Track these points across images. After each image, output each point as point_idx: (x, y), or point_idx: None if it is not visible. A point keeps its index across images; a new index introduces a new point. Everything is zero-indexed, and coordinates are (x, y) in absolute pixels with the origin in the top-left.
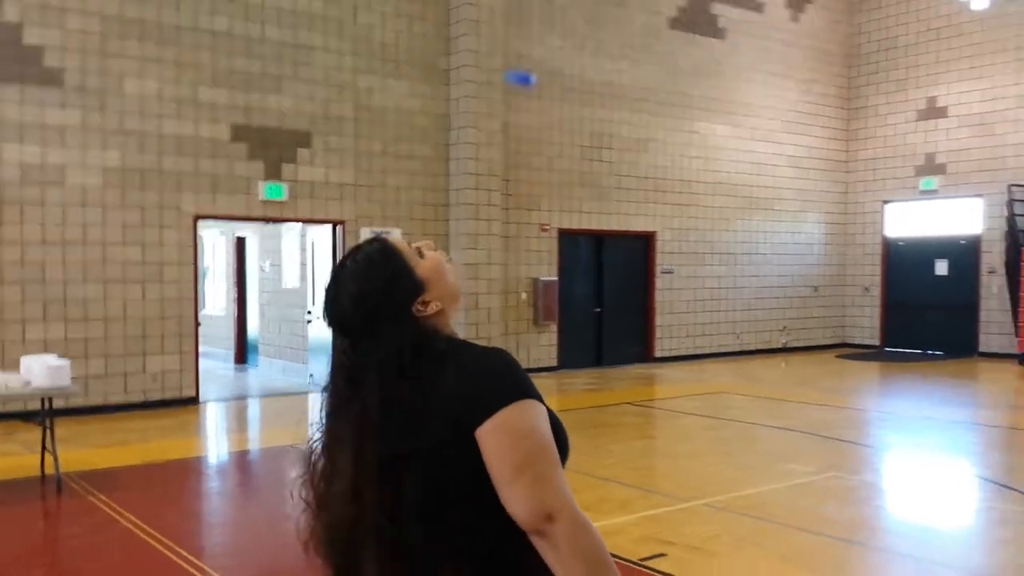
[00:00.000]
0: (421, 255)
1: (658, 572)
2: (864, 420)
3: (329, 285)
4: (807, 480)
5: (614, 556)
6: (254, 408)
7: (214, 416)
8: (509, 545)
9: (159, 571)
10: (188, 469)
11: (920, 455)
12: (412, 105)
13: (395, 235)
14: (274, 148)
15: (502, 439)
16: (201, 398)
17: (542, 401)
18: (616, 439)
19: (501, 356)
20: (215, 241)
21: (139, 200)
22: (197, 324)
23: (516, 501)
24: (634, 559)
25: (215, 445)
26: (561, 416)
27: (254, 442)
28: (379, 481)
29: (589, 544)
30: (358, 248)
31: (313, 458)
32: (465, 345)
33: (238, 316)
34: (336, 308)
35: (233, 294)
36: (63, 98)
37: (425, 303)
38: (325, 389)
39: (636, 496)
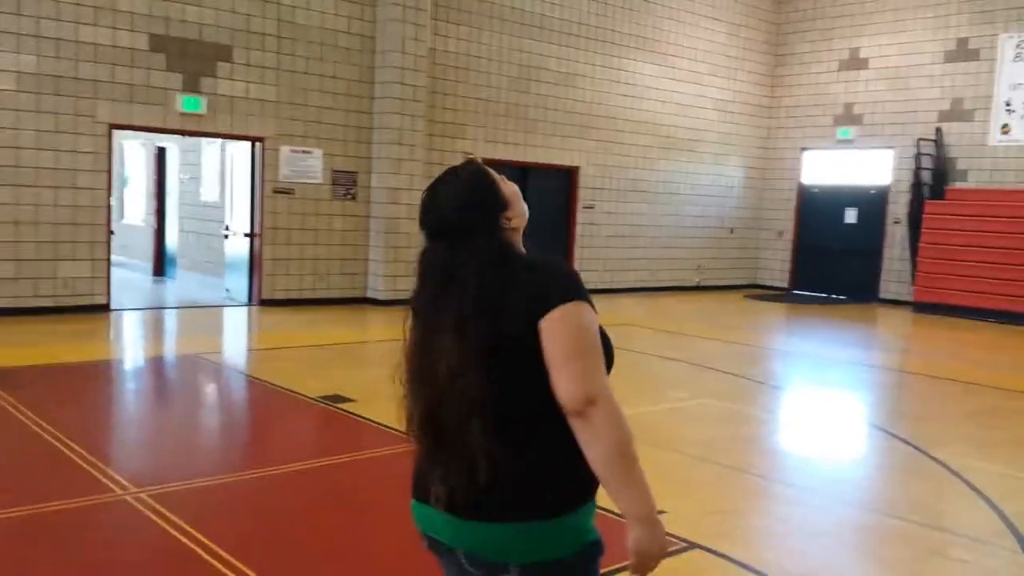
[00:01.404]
0: (504, 180)
1: None
2: (754, 355)
3: (428, 196)
4: (679, 405)
5: None
6: (165, 318)
7: (123, 324)
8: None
9: (47, 462)
10: (90, 372)
11: (795, 389)
12: (337, 24)
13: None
14: (193, 60)
15: (559, 329)
16: (113, 306)
17: (594, 309)
18: None
19: (562, 263)
20: (136, 151)
21: (53, 106)
22: (110, 232)
23: (565, 384)
24: None
25: (120, 351)
26: None
27: (159, 350)
28: (480, 359)
29: (620, 432)
30: (456, 168)
31: (411, 346)
32: (533, 255)
33: (157, 228)
34: (437, 215)
35: (152, 205)
36: None
37: (508, 219)
38: (416, 289)
39: None
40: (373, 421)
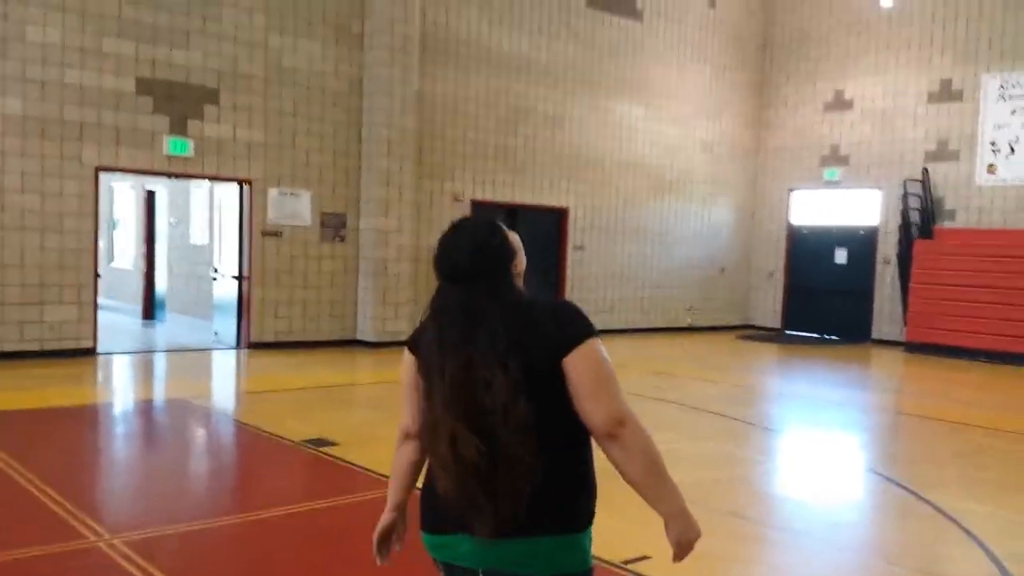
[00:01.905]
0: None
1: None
2: (745, 397)
3: (445, 242)
4: (667, 447)
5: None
6: (152, 362)
7: (109, 368)
8: (580, 445)
9: (21, 507)
10: (74, 416)
11: (787, 431)
12: (325, 67)
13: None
14: (180, 103)
15: (585, 364)
16: (100, 349)
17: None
18: None
19: (575, 305)
20: (126, 194)
21: (39, 149)
22: (96, 276)
23: (597, 410)
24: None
25: (104, 395)
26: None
27: (144, 394)
28: (522, 389)
29: (649, 444)
30: (469, 219)
31: (440, 386)
32: (539, 297)
33: (146, 271)
34: (454, 259)
35: (142, 248)
36: None
37: (516, 265)
38: (433, 329)
39: None
40: (356, 465)
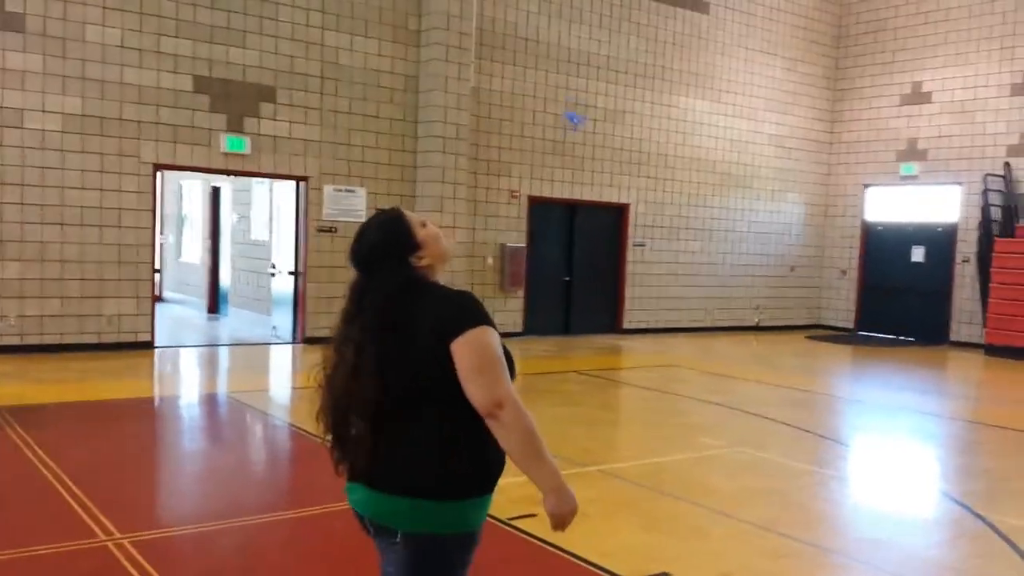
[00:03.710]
0: (424, 225)
1: (520, 531)
2: (805, 401)
3: (356, 234)
4: (713, 453)
5: (494, 517)
6: (205, 356)
7: (163, 361)
8: (460, 423)
9: (39, 504)
10: (116, 410)
11: (842, 438)
12: (380, 65)
13: (407, 210)
14: (237, 101)
15: (469, 349)
16: (157, 343)
17: (495, 328)
18: (544, 405)
19: (468, 294)
20: (195, 190)
21: (98, 147)
22: (154, 271)
23: (477, 392)
24: (503, 517)
25: (151, 389)
26: None
27: (190, 389)
28: (376, 366)
29: (525, 425)
30: (381, 211)
31: (328, 353)
32: (440, 286)
33: (211, 265)
34: (357, 249)
35: (208, 244)
36: (24, 43)
37: (420, 257)
38: (344, 307)
39: None
40: None
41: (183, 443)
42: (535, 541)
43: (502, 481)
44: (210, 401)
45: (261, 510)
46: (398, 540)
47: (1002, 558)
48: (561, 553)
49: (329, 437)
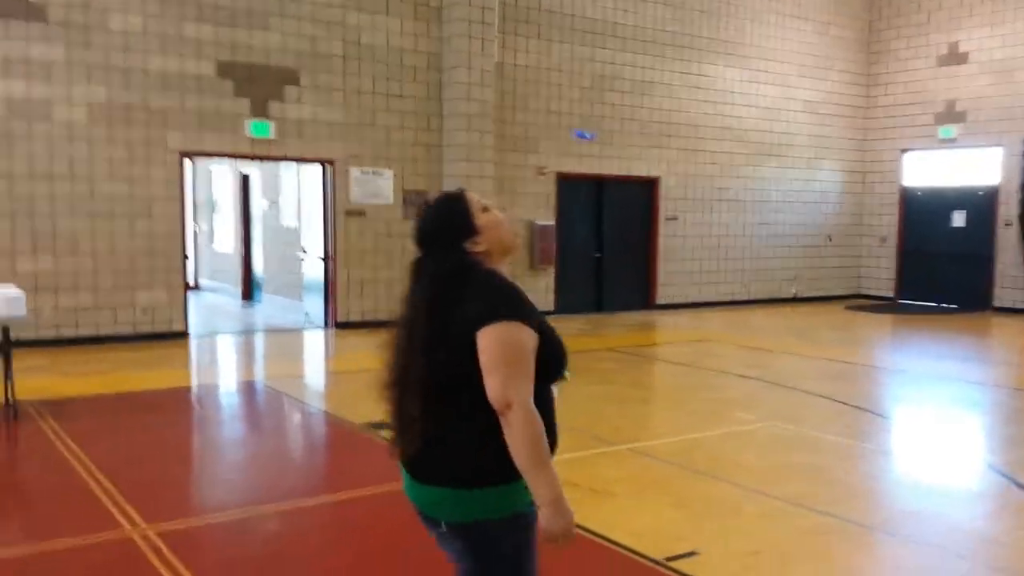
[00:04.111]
0: (486, 210)
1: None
2: (843, 373)
3: (418, 213)
4: (745, 428)
5: None
6: (238, 344)
7: (196, 351)
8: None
9: (67, 494)
10: (148, 401)
11: (882, 411)
12: (403, 43)
13: (470, 192)
14: (261, 85)
15: (493, 341)
16: (191, 332)
17: (534, 325)
18: (579, 384)
19: (512, 287)
20: (225, 177)
21: (125, 136)
22: (185, 259)
23: (490, 388)
24: None
25: (184, 379)
26: None
27: (222, 378)
28: (426, 348)
29: (531, 432)
30: (444, 193)
31: (392, 331)
32: (491, 274)
33: (244, 253)
34: (417, 231)
35: (240, 231)
36: (47, 33)
37: (475, 243)
38: (406, 286)
39: (565, 438)
40: None
41: (214, 432)
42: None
43: None
44: (244, 389)
45: (292, 497)
46: (444, 530)
47: None
48: (587, 534)
49: (392, 420)
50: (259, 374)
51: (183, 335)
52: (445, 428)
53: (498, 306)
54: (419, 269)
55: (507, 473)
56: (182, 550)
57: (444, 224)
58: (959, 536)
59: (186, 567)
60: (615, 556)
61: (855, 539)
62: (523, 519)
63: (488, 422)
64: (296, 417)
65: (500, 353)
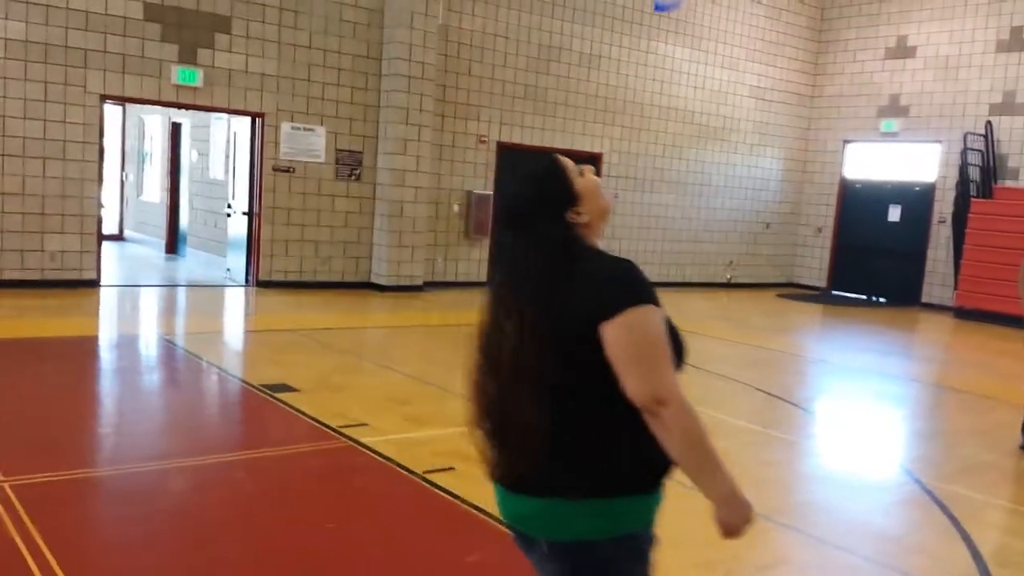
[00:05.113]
0: (582, 174)
1: (434, 484)
2: (761, 360)
3: (505, 187)
4: None
5: (405, 468)
6: (153, 297)
7: (105, 301)
8: (616, 413)
9: None
10: (38, 350)
11: (796, 399)
12: None
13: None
14: (190, 31)
15: (624, 334)
16: (102, 282)
17: (660, 305)
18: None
19: (629, 266)
20: (157, 126)
21: (42, 75)
22: (100, 206)
23: (634, 386)
24: (419, 470)
25: (85, 329)
26: (453, 331)
27: (125, 330)
28: (539, 343)
29: (690, 428)
30: (533, 163)
31: (479, 330)
32: (599, 252)
33: (170, 205)
34: (507, 205)
35: (167, 182)
36: None
37: (578, 212)
38: (493, 275)
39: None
40: (303, 413)
41: (98, 385)
42: (447, 496)
43: (422, 432)
44: (140, 344)
45: (167, 457)
46: (545, 550)
47: (933, 525)
48: (473, 511)
49: (483, 430)
50: (162, 329)
51: (95, 284)
52: (569, 432)
53: (624, 291)
54: (516, 252)
55: (641, 482)
56: (35, 506)
57: (546, 194)
58: (847, 529)
59: (33, 523)
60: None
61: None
62: (636, 541)
63: (604, 425)
64: (189, 375)
65: (636, 345)
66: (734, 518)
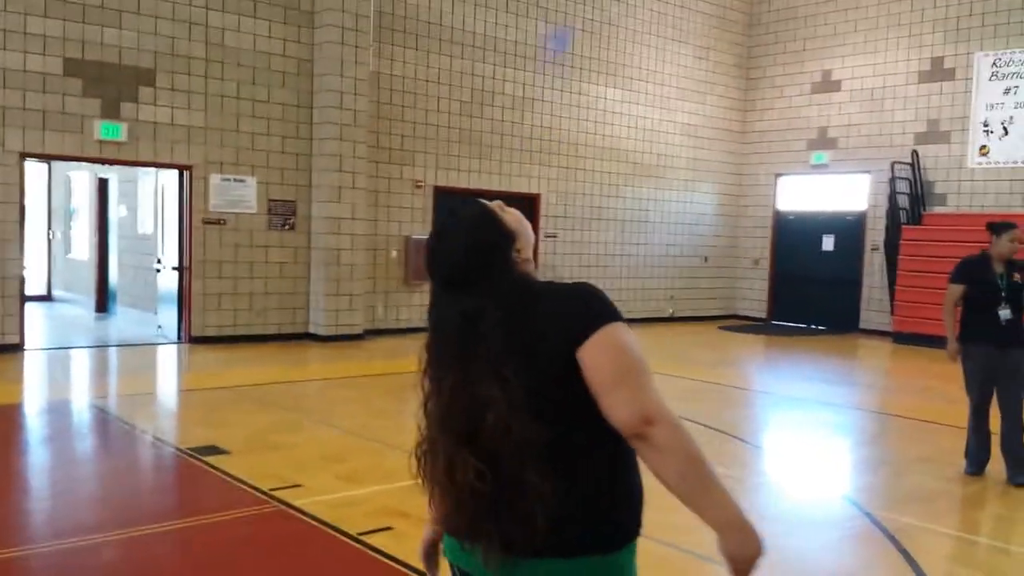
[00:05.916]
0: (503, 211)
1: (369, 547)
2: (704, 393)
3: (434, 243)
4: None
5: (339, 531)
6: (81, 359)
7: (27, 365)
8: (608, 454)
9: None
10: None
11: (738, 432)
12: (272, 47)
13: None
14: (112, 85)
15: (602, 353)
16: (26, 346)
17: (626, 323)
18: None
19: (586, 286)
20: (83, 183)
21: None
22: (22, 267)
23: (618, 407)
24: (353, 532)
25: (5, 396)
26: (395, 379)
27: (46, 395)
28: (527, 402)
29: (685, 444)
30: (456, 211)
31: (436, 405)
32: (551, 283)
33: (100, 262)
34: (447, 261)
35: (95, 239)
36: None
37: (518, 251)
38: (433, 341)
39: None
40: (234, 477)
41: (19, 457)
42: (383, 560)
43: (358, 491)
44: (59, 408)
45: (78, 533)
46: None
47: (885, 559)
48: (412, 574)
49: (461, 497)
50: (91, 393)
51: (18, 348)
52: (568, 488)
53: (591, 311)
54: (465, 309)
55: (627, 532)
56: None
57: (490, 241)
58: (800, 569)
59: None
60: None
61: (681, 568)
62: None
63: (612, 465)
64: (118, 442)
65: (616, 364)
66: (745, 548)
